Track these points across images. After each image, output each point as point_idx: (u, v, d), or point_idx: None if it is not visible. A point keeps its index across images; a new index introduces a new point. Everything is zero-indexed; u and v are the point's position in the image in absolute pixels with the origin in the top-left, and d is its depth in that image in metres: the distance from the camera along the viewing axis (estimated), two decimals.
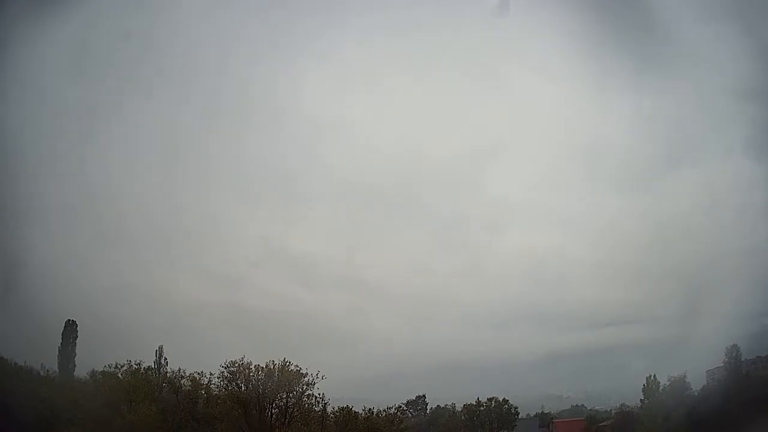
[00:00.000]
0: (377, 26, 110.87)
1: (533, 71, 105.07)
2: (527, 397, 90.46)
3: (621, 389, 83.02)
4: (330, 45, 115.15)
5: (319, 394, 53.94)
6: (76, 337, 58.22)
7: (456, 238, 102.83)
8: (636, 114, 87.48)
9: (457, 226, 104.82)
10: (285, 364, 53.29)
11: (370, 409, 58.21)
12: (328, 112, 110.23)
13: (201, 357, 61.29)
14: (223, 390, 53.30)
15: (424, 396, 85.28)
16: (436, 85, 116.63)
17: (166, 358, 57.33)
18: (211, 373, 53.49)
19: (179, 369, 55.34)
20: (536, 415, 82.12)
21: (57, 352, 56.89)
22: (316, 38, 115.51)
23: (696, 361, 61.68)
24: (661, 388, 61.17)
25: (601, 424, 71.12)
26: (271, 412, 53.54)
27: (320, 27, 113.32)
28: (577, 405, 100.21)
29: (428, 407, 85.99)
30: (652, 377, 61.50)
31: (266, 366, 53.07)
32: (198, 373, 54.10)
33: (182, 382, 54.52)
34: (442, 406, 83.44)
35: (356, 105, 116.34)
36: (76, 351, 57.75)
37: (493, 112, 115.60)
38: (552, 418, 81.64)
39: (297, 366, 53.32)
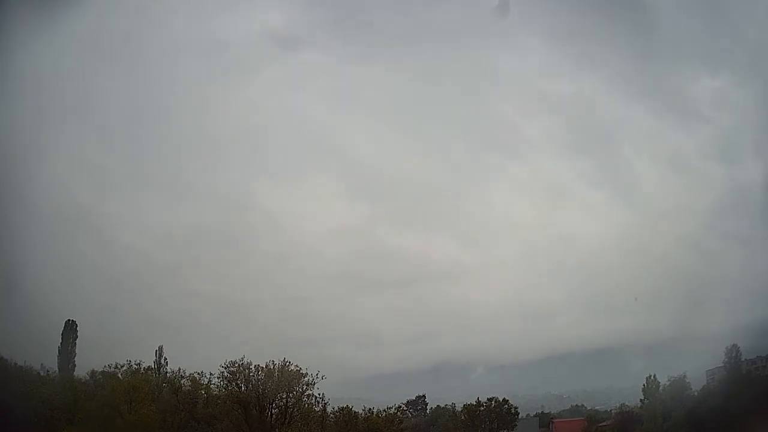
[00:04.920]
0: None
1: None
2: (527, 397, 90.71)
3: (621, 389, 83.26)
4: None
5: (319, 394, 54.08)
6: (76, 337, 58.05)
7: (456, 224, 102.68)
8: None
9: (455, 209, 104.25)
10: (285, 364, 53.34)
11: (370, 409, 58.34)
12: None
13: (201, 357, 61.46)
14: (223, 390, 53.33)
15: (424, 396, 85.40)
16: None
17: (166, 358, 57.26)
18: (211, 374, 53.68)
19: (179, 369, 55.48)
20: (536, 415, 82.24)
21: (57, 352, 56.76)
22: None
23: (696, 361, 61.86)
24: (661, 388, 61.23)
25: (601, 424, 71.15)
26: (271, 412, 53.53)
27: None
28: (577, 405, 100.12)
29: (428, 407, 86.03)
30: (652, 377, 61.60)
31: (266, 366, 53.11)
32: (198, 373, 54.27)
33: (182, 382, 54.59)
34: (442, 406, 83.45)
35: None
36: (76, 351, 57.64)
37: None
38: (552, 418, 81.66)
39: (297, 366, 53.45)
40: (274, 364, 53.16)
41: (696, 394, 60.64)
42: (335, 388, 57.29)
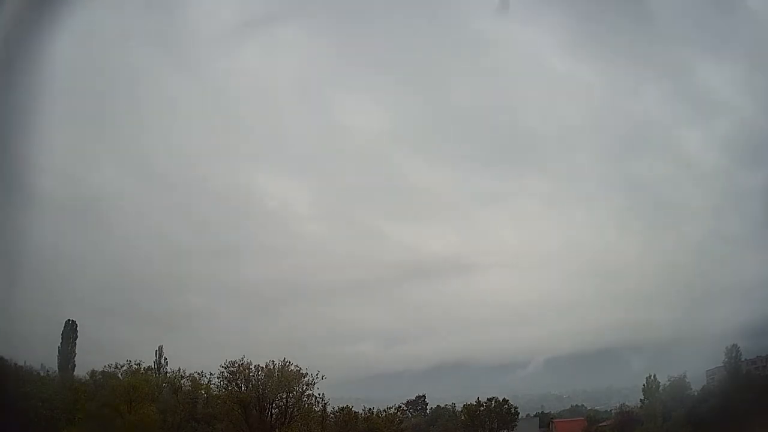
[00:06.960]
0: None
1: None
2: (527, 397, 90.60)
3: (621, 389, 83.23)
4: None
5: (319, 394, 54.17)
6: (76, 337, 58.01)
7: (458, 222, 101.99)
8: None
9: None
10: (285, 364, 53.43)
11: (370, 409, 58.38)
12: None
13: (201, 357, 61.45)
14: (223, 390, 53.41)
15: (424, 396, 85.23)
16: None
17: (166, 358, 57.46)
18: (211, 373, 53.84)
19: (179, 369, 55.65)
20: (536, 415, 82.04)
21: (57, 352, 56.77)
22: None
23: (696, 361, 61.80)
24: (661, 388, 61.21)
25: (601, 424, 71.03)
26: (271, 412, 53.61)
27: None
28: (577, 405, 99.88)
29: (428, 407, 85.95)
30: (652, 377, 61.55)
31: (266, 366, 53.22)
32: (198, 373, 54.43)
33: (182, 382, 54.73)
34: (442, 406, 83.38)
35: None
36: (76, 351, 57.66)
37: None
38: (552, 418, 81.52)
39: (297, 366, 53.53)
40: (273, 364, 53.32)
41: (696, 394, 60.56)
42: (335, 388, 57.36)
